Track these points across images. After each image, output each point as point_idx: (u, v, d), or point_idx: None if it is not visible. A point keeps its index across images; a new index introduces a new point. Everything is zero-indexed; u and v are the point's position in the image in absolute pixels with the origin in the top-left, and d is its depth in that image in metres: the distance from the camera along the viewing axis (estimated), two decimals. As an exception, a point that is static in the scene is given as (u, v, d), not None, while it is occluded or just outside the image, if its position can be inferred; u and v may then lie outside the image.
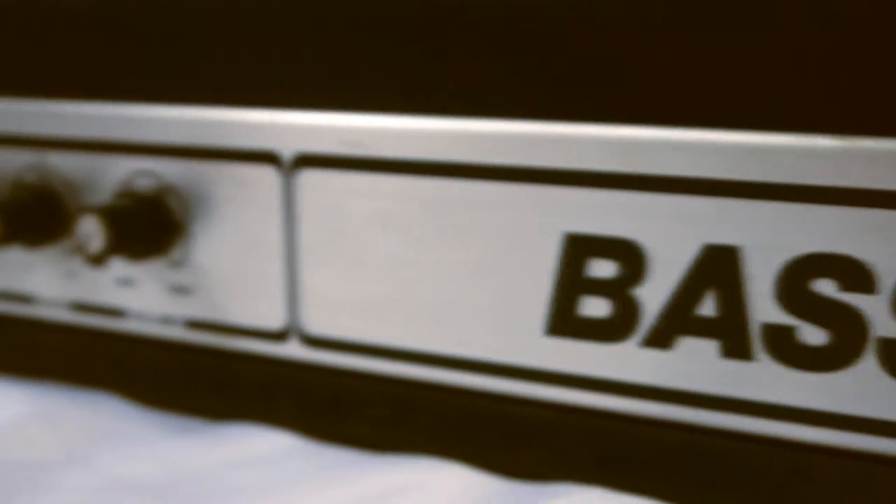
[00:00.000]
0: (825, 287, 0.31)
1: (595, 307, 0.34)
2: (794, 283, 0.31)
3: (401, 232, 0.37)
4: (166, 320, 0.43)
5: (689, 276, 0.33)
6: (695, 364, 0.33)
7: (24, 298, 0.47)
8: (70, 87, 0.44)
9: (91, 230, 0.40)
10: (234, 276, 0.41)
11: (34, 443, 0.41)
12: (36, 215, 0.44)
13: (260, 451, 0.41)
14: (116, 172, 0.43)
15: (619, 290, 0.34)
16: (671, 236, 0.33)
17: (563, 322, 0.35)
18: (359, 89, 0.38)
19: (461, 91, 0.36)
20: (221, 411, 0.43)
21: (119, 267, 0.43)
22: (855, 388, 0.31)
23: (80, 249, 0.41)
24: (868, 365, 0.30)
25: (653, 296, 0.33)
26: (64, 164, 0.44)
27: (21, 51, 0.46)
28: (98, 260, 0.41)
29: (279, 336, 0.41)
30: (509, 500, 0.36)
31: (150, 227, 0.41)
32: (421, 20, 0.36)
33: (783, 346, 0.31)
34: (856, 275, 0.30)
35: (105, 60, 0.43)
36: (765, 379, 0.32)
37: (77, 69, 0.44)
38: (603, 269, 0.34)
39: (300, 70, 0.39)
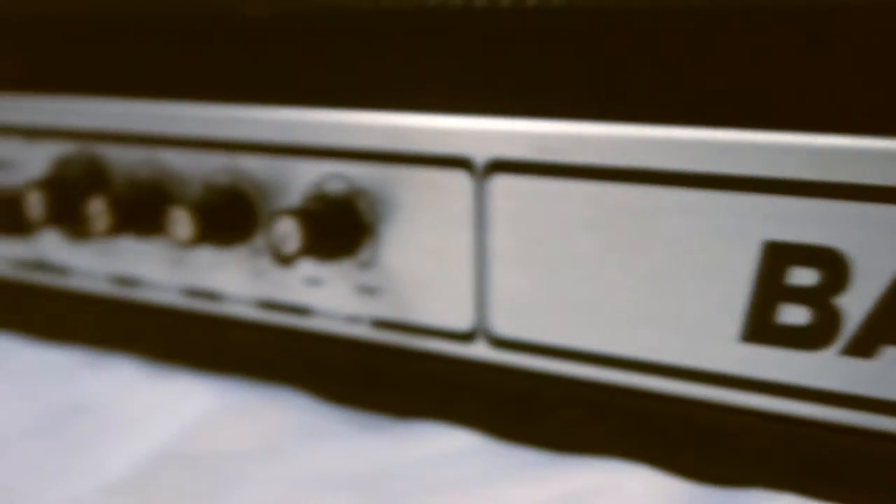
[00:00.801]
0: None
1: (794, 315, 0.34)
2: None
3: (593, 237, 0.38)
4: (353, 319, 0.44)
5: (894, 285, 0.32)
6: (899, 374, 0.33)
7: (213, 296, 0.48)
8: (263, 93, 0.46)
9: (287, 231, 0.41)
10: (422, 278, 0.42)
11: (231, 435, 0.42)
12: (227, 216, 0.46)
13: (446, 449, 0.41)
14: (307, 175, 0.44)
15: (821, 299, 0.34)
16: (876, 245, 0.33)
17: (760, 329, 0.35)
18: (553, 96, 0.38)
19: (657, 97, 0.36)
20: (406, 409, 0.44)
21: (307, 267, 0.45)
22: None
23: (274, 250, 0.42)
24: None
25: (855, 304, 0.33)
26: (255, 166, 0.46)
27: (216, 57, 0.47)
28: (289, 260, 0.43)
29: (467, 337, 0.41)
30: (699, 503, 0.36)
31: (340, 229, 0.43)
32: (614, 29, 0.37)
33: None
34: None
35: (298, 66, 0.45)
36: (975, 390, 0.32)
37: (271, 75, 0.46)
38: (803, 277, 0.34)
39: (494, 76, 0.39)
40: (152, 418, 0.44)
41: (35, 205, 0.50)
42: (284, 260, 0.42)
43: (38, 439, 0.43)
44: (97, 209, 0.47)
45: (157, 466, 0.40)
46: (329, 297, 0.45)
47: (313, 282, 0.45)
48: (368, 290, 0.43)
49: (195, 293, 0.49)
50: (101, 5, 0.50)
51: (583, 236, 0.38)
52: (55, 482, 0.39)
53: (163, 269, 0.50)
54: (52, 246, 0.54)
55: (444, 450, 0.41)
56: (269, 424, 0.43)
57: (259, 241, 0.46)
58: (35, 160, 0.53)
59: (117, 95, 0.50)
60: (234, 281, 0.48)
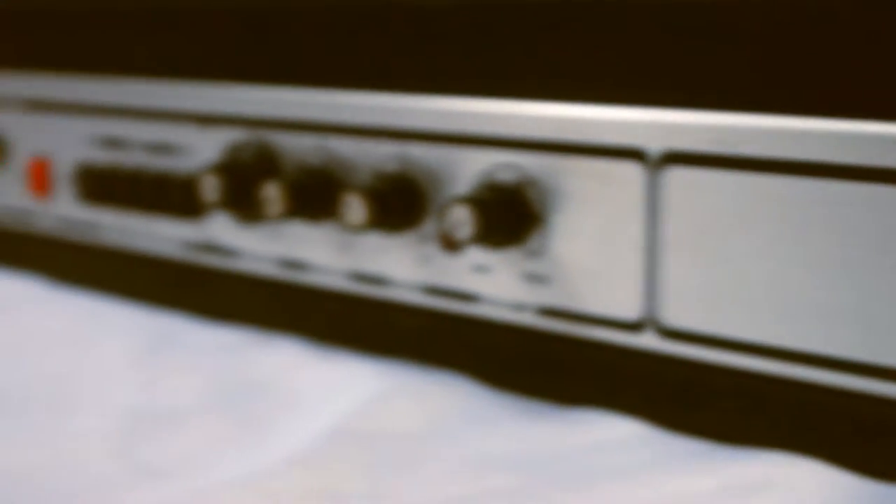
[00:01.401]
0: None
1: (979, 312, 0.34)
2: None
3: (769, 230, 0.38)
4: (519, 307, 0.45)
5: None
6: None
7: (379, 280, 0.50)
8: (433, 82, 0.47)
9: (460, 219, 0.42)
10: (591, 268, 0.42)
11: (400, 416, 0.43)
12: (397, 203, 0.47)
13: (610, 437, 0.42)
14: (476, 164, 0.45)
15: None
16: None
17: (942, 325, 0.35)
18: (731, 87, 0.38)
19: (838, 90, 0.36)
20: (569, 397, 0.45)
21: (474, 254, 0.46)
22: None
23: (446, 236, 0.43)
24: None
25: None
26: (424, 154, 0.47)
27: (388, 47, 0.49)
28: (458, 247, 0.44)
29: (634, 327, 0.42)
30: (869, 500, 0.36)
31: (510, 217, 0.43)
32: (794, 21, 0.37)
33: None
34: None
35: (470, 56, 0.46)
36: None
37: (442, 64, 0.47)
38: None
39: (670, 68, 0.40)
40: (323, 396, 0.46)
41: (210, 189, 0.52)
42: (454, 246, 0.43)
43: (217, 412, 0.45)
44: (272, 193, 0.49)
45: (332, 442, 0.41)
46: (496, 284, 0.46)
47: (480, 269, 0.46)
48: (536, 279, 0.44)
49: (361, 277, 0.50)
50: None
51: (758, 228, 0.38)
52: (238, 452, 0.41)
53: (329, 254, 0.51)
54: (221, 229, 0.56)
55: (609, 437, 0.42)
56: (436, 407, 0.44)
57: (427, 227, 0.47)
58: (207, 146, 0.55)
59: (289, 84, 0.52)
60: (401, 266, 0.49)
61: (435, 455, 0.41)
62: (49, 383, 0.49)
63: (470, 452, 0.41)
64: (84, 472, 0.40)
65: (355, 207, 0.46)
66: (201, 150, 0.55)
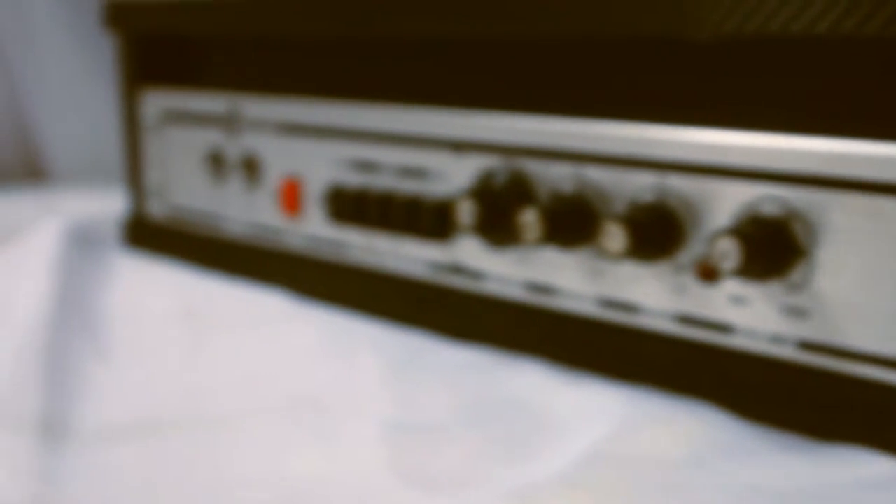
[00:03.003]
0: None
1: None
2: None
3: None
4: (777, 340, 0.45)
5: None
6: None
7: (629, 308, 0.50)
8: (695, 115, 0.47)
9: (727, 251, 0.43)
10: (856, 303, 0.42)
11: (657, 442, 0.44)
12: (656, 232, 0.48)
13: (873, 475, 0.42)
14: (737, 196, 0.45)
15: None
16: None
17: None
18: None
19: None
20: (825, 432, 0.44)
21: (732, 285, 0.46)
22: None
23: (704, 267, 0.44)
24: None
25: None
26: (682, 185, 0.47)
27: (645, 79, 0.49)
28: (717, 278, 0.44)
29: (902, 365, 0.41)
30: None
31: (775, 250, 0.44)
32: None
33: None
34: None
35: (732, 89, 0.46)
36: None
37: (702, 97, 0.47)
38: None
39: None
40: (576, 419, 0.47)
41: (466, 213, 0.53)
42: (713, 276, 0.44)
43: (475, 428, 0.46)
44: (529, 219, 0.50)
45: (594, 464, 0.42)
46: (753, 316, 0.46)
47: (737, 300, 0.46)
48: (796, 312, 0.44)
49: (611, 304, 0.51)
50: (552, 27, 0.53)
51: None
52: (503, 469, 0.42)
53: (579, 280, 0.52)
54: (468, 252, 0.57)
55: (871, 475, 0.42)
56: (692, 435, 0.45)
57: (682, 257, 0.48)
58: (460, 172, 0.57)
59: (545, 113, 0.53)
60: (653, 295, 0.49)
61: (697, 483, 0.41)
62: (308, 396, 0.52)
63: (732, 482, 0.41)
64: (360, 484, 0.42)
65: (615, 236, 0.47)
66: (454, 175, 0.57)
